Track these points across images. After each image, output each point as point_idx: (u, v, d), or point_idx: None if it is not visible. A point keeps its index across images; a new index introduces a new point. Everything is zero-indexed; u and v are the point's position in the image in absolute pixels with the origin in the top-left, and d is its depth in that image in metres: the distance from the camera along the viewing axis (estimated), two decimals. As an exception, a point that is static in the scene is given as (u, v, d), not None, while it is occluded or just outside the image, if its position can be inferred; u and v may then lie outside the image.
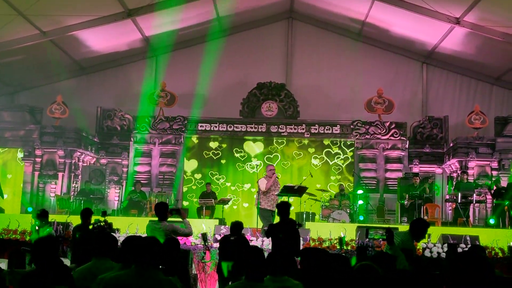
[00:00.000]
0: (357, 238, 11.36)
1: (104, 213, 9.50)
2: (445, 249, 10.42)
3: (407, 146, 18.99)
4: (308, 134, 19.03)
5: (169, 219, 8.44)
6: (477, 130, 18.41)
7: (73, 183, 18.44)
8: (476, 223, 16.39)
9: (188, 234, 8.38)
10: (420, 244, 11.09)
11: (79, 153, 18.62)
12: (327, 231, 11.95)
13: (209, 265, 10.83)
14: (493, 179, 17.37)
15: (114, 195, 18.98)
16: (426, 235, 11.58)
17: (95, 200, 17.21)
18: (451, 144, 18.48)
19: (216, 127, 19.15)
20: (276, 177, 13.65)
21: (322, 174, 19.27)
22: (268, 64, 20.95)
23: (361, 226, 12.23)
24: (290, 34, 21.60)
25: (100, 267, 5.41)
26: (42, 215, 9.88)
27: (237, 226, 9.27)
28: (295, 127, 19.08)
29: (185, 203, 19.04)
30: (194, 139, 19.59)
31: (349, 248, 10.95)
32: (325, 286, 4.46)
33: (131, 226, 11.92)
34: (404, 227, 13.18)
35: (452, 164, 18.35)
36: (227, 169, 19.51)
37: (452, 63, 20.72)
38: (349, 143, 19.26)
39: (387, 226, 13.19)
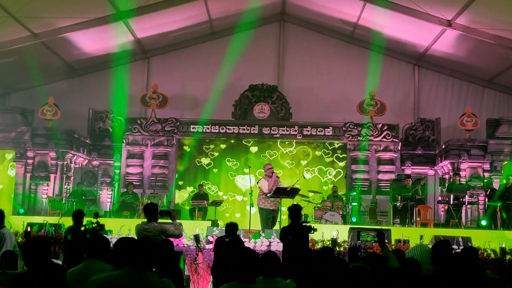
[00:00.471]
0: (349, 240, 11.36)
1: (96, 215, 9.45)
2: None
3: (399, 148, 19.04)
4: (300, 136, 19.04)
5: (160, 220, 8.40)
6: (469, 132, 18.49)
7: (65, 184, 18.37)
8: (468, 225, 16.44)
9: (178, 235, 8.32)
10: (413, 245, 11.09)
11: (71, 155, 18.56)
12: (320, 232, 11.94)
13: (202, 267, 10.81)
14: (485, 180, 17.44)
15: (106, 197, 18.92)
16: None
17: (87, 201, 17.14)
18: (443, 146, 18.55)
19: (208, 128, 19.12)
20: (277, 175, 13.69)
21: (315, 177, 19.25)
22: (260, 66, 20.95)
23: (353, 228, 12.24)
24: (282, 36, 21.63)
25: (92, 268, 5.38)
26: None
27: (232, 227, 9.21)
28: (287, 129, 19.08)
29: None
30: (186, 148, 19.55)
31: (341, 249, 10.95)
32: (318, 285, 4.46)
33: (123, 227, 11.88)
34: (396, 228, 13.25)
35: (444, 165, 18.41)
36: (219, 179, 19.45)
37: (443, 66, 20.81)
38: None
39: (379, 227, 13.25)
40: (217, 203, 17.23)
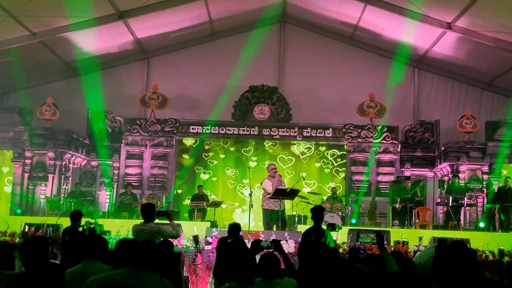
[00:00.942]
0: (348, 241, 11.35)
1: (94, 215, 9.46)
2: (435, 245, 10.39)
3: (398, 150, 19.02)
4: (300, 137, 19.02)
5: (157, 221, 8.37)
6: (468, 134, 18.48)
7: (63, 185, 18.33)
8: (467, 227, 16.43)
9: (175, 236, 8.27)
10: (411, 247, 11.12)
11: (69, 155, 18.52)
12: (319, 234, 11.91)
13: (201, 268, 10.78)
14: (484, 183, 17.44)
15: (105, 197, 18.89)
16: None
17: (85, 202, 17.10)
18: (442, 148, 18.54)
19: (208, 129, 19.09)
20: (279, 175, 13.70)
21: (316, 177, 19.24)
22: (261, 67, 20.92)
23: (352, 229, 12.23)
24: (282, 37, 21.64)
25: (90, 269, 5.36)
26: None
27: (234, 228, 9.16)
28: (287, 130, 19.05)
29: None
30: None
31: (341, 251, 10.92)
32: (318, 285, 4.45)
33: (122, 228, 11.85)
34: (395, 230, 13.23)
35: (444, 168, 18.40)
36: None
37: (443, 68, 20.82)
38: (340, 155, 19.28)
39: (378, 229, 13.23)
40: (216, 204, 17.20)
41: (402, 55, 20.83)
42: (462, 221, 16.29)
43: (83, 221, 9.26)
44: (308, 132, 18.99)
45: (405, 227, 15.00)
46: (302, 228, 13.50)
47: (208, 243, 11.25)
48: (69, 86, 21.09)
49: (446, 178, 18.28)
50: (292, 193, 13.31)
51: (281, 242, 10.63)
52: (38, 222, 12.34)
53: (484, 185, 17.38)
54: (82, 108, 19.94)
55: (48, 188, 17.92)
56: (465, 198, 16.01)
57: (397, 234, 12.29)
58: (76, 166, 18.99)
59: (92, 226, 9.08)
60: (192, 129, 19.13)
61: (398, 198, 16.11)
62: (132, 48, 20.80)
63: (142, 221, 8.21)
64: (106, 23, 17.72)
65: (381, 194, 18.43)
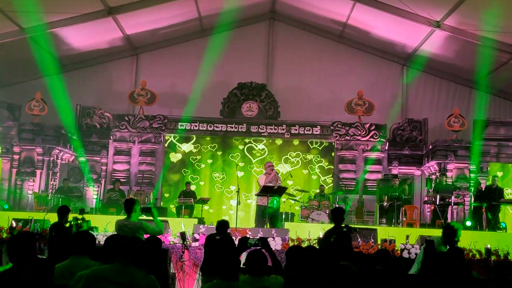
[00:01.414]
0: (336, 239, 11.35)
1: (81, 211, 9.42)
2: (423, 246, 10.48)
3: (386, 148, 19.09)
4: (288, 134, 19.04)
5: (141, 217, 8.37)
6: (456, 133, 18.57)
7: (51, 180, 18.29)
8: (454, 225, 16.48)
9: (158, 232, 8.26)
10: (399, 245, 11.16)
11: (57, 151, 18.47)
12: (306, 231, 11.96)
13: (188, 264, 10.78)
14: (472, 182, 17.54)
15: (92, 193, 18.84)
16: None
17: (73, 198, 17.06)
18: (430, 146, 18.63)
19: (196, 126, 19.08)
20: (276, 172, 13.73)
21: (302, 175, 19.27)
22: (249, 64, 20.95)
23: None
24: (271, 35, 21.64)
25: (78, 265, 5.37)
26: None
27: (223, 225, 9.18)
28: (275, 127, 19.08)
29: (166, 195, 19.13)
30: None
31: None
32: (305, 283, 4.48)
33: (109, 224, 11.81)
34: (382, 228, 13.29)
35: (431, 166, 18.49)
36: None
37: (432, 66, 20.88)
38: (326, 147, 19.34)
39: (365, 227, 13.31)
40: (204, 201, 17.20)
41: (391, 53, 20.92)
42: (449, 220, 16.36)
43: (71, 216, 9.23)
44: (296, 130, 19.02)
45: (392, 225, 15.06)
46: (288, 225, 13.56)
47: (195, 239, 11.25)
48: (58, 82, 20.95)
49: (433, 177, 18.36)
50: (279, 190, 13.34)
51: (269, 239, 10.70)
52: (25, 217, 12.28)
53: (471, 184, 17.47)
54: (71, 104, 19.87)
55: (36, 184, 17.87)
56: (453, 196, 16.07)
57: (384, 232, 12.34)
58: (64, 162, 18.94)
59: (79, 222, 9.05)
60: (180, 125, 19.11)
61: (386, 196, 16.17)
62: (121, 44, 20.75)
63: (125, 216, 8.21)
64: (95, 19, 17.69)
65: (368, 192, 18.49)
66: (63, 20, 17.41)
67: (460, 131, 18.67)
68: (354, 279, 4.54)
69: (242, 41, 21.19)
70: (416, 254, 10.78)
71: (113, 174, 18.79)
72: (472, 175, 17.82)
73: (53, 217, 10.87)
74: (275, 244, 10.96)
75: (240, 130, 19.09)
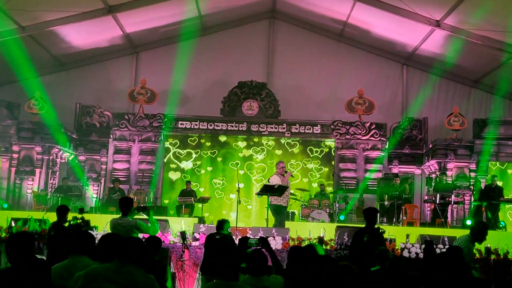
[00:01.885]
0: (336, 238, 11.37)
1: (81, 210, 9.39)
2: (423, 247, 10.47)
3: (387, 147, 19.07)
4: (288, 133, 19.03)
5: (136, 216, 8.35)
6: (456, 132, 18.55)
7: (50, 179, 18.26)
8: (454, 224, 16.51)
9: (153, 231, 8.24)
10: (399, 245, 11.15)
11: (57, 150, 18.43)
12: (307, 230, 11.96)
13: (188, 264, 10.77)
14: (472, 181, 17.52)
15: (92, 192, 18.82)
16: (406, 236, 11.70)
17: (73, 197, 17.04)
18: (430, 146, 18.62)
19: (196, 125, 19.06)
20: (291, 174, 13.69)
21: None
22: (250, 63, 20.91)
23: (340, 226, 12.27)
24: (272, 33, 21.60)
25: (77, 264, 5.36)
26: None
27: (223, 224, 9.15)
28: (275, 126, 19.06)
29: (166, 201, 18.99)
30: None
31: (328, 247, 10.95)
32: (305, 283, 4.47)
33: (109, 223, 11.78)
34: (383, 227, 13.24)
35: (431, 165, 18.48)
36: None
37: (432, 65, 20.85)
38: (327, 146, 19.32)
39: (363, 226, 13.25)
40: (204, 200, 17.17)
41: (391, 52, 20.89)
42: (449, 219, 16.36)
43: (70, 216, 9.21)
44: (297, 129, 19.01)
45: (393, 225, 15.05)
46: (289, 224, 13.53)
47: (195, 239, 11.24)
48: (58, 80, 20.97)
49: (433, 176, 18.35)
50: (280, 190, 13.31)
51: (269, 238, 10.69)
52: (24, 216, 12.27)
53: (472, 183, 17.45)
54: (70, 103, 19.84)
55: (35, 183, 17.85)
56: (453, 195, 16.07)
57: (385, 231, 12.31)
58: (63, 161, 18.91)
59: (79, 221, 9.02)
60: (181, 124, 19.09)
61: (386, 195, 16.16)
62: (121, 43, 20.71)
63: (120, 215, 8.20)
64: (95, 18, 17.64)
65: (369, 191, 18.47)
66: (62, 19, 17.35)
67: (460, 130, 18.65)
68: (354, 279, 4.52)
69: (243, 39, 21.17)
70: (416, 253, 10.78)
71: (113, 173, 18.76)
72: (472, 174, 17.80)
73: (52, 216, 10.85)
74: (276, 243, 10.94)
75: (240, 129, 19.07)
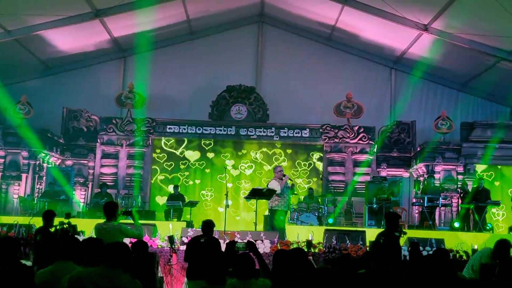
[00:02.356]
0: (324, 241, 11.37)
1: (67, 215, 9.30)
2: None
3: (375, 150, 19.11)
4: (277, 137, 19.03)
5: (121, 220, 8.30)
6: (443, 135, 18.61)
7: (37, 184, 18.12)
8: (442, 226, 16.56)
9: (138, 236, 8.17)
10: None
11: (43, 154, 18.30)
12: (295, 234, 11.95)
13: (176, 268, 10.71)
14: (459, 183, 17.58)
15: (79, 197, 18.71)
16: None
17: (60, 202, 16.91)
18: (418, 149, 18.67)
19: (184, 129, 19.03)
20: (288, 177, 13.62)
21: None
22: (238, 67, 20.90)
23: (328, 229, 12.27)
24: (260, 37, 21.61)
25: (63, 270, 5.31)
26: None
27: (208, 226, 8.88)
28: (264, 130, 19.06)
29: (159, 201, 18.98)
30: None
31: (316, 251, 10.94)
32: (292, 286, 4.46)
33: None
34: (371, 230, 13.27)
35: (419, 168, 18.53)
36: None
37: (420, 69, 20.89)
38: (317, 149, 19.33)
39: (354, 229, 13.30)
40: (192, 204, 17.11)
41: (379, 56, 20.95)
42: (437, 221, 16.41)
43: (56, 221, 9.13)
44: (285, 132, 19.02)
45: (381, 227, 15.05)
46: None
47: (183, 243, 11.18)
48: (44, 84, 20.85)
49: (421, 179, 18.40)
50: (269, 193, 13.29)
51: (257, 242, 10.66)
52: (10, 222, 12.18)
53: (459, 186, 17.52)
54: (57, 107, 19.71)
55: (21, 188, 17.72)
56: (440, 198, 16.11)
57: (372, 234, 12.29)
58: (50, 166, 18.78)
59: (65, 226, 8.95)
60: (169, 128, 19.06)
61: (375, 198, 16.18)
62: (109, 47, 20.62)
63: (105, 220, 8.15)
64: (82, 22, 17.56)
65: (357, 194, 18.51)
66: (49, 23, 17.25)
67: (448, 133, 18.71)
68: (333, 282, 4.52)
69: (231, 43, 21.16)
70: (404, 255, 10.77)
71: (100, 178, 18.68)
72: (460, 177, 17.88)
73: (38, 222, 10.78)
74: (264, 247, 10.92)
75: (229, 133, 19.05)
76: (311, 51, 21.37)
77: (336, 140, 19.00)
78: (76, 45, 19.67)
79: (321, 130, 19.05)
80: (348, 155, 18.98)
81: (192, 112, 19.55)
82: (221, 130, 19.06)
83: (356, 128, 19.06)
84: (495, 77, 19.00)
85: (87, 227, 11.89)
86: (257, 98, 19.51)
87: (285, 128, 19.07)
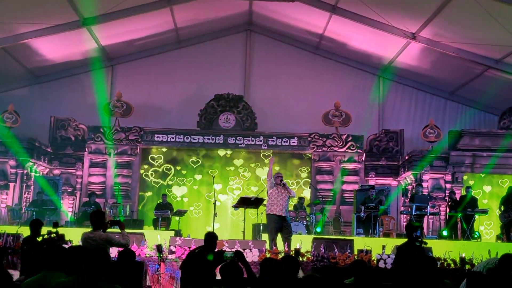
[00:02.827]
0: (312, 250, 11.36)
1: (55, 224, 9.24)
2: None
3: (363, 159, 19.16)
4: (265, 146, 19.03)
5: (109, 230, 8.28)
6: (431, 144, 18.69)
7: (25, 193, 18.00)
8: (430, 235, 16.60)
9: (124, 245, 8.14)
10: (375, 256, 11.17)
11: (31, 163, 18.18)
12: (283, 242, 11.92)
13: (164, 277, 10.66)
14: (447, 192, 17.64)
15: (68, 206, 18.60)
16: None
17: (48, 211, 16.81)
18: (406, 157, 18.72)
19: (173, 138, 19.00)
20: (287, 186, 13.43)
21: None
22: (226, 75, 20.87)
23: (317, 238, 12.26)
24: (248, 46, 21.61)
25: (50, 279, 5.26)
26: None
27: (212, 239, 7.95)
28: (252, 139, 19.07)
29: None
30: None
31: (304, 259, 10.93)
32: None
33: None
34: (359, 239, 13.28)
35: (407, 176, 18.58)
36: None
37: (408, 77, 21.04)
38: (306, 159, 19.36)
39: (343, 238, 13.30)
40: (180, 213, 17.07)
41: (367, 64, 21.02)
42: (425, 230, 16.46)
43: (44, 230, 9.07)
44: (274, 141, 19.03)
45: (369, 236, 15.08)
46: (266, 237, 13.44)
47: (171, 252, 11.15)
48: (32, 93, 20.75)
49: (409, 187, 18.45)
50: (256, 202, 13.28)
51: (245, 250, 10.64)
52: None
53: (447, 194, 17.58)
54: (44, 116, 19.60)
55: (9, 197, 17.60)
56: (428, 206, 16.17)
57: (360, 242, 12.34)
58: (38, 175, 18.66)
59: (53, 235, 8.89)
60: (157, 137, 19.03)
61: (363, 207, 16.20)
62: (97, 56, 20.50)
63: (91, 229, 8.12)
64: (69, 30, 17.48)
65: (345, 202, 18.54)
66: (36, 31, 17.15)
67: (436, 142, 18.79)
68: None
69: (219, 52, 21.15)
70: (392, 264, 10.78)
71: (88, 187, 18.60)
72: (448, 185, 17.94)
73: (26, 231, 10.69)
74: (252, 255, 10.90)
75: (217, 141, 19.04)
76: (299, 59, 21.38)
77: (324, 148, 19.04)
78: (63, 53, 19.57)
79: (309, 138, 19.08)
80: (336, 163, 19.01)
81: (180, 121, 19.52)
82: (209, 139, 19.04)
83: (344, 136, 19.11)
84: (483, 85, 19.13)
85: (75, 236, 11.81)
86: (245, 106, 19.52)
87: (273, 137, 19.10)
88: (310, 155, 19.34)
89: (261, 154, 19.57)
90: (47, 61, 19.66)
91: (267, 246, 11.74)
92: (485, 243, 14.77)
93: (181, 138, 19.01)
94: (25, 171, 18.02)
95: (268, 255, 10.99)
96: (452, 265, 11.05)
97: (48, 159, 18.99)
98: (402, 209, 17.81)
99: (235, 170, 19.64)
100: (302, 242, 11.86)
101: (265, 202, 14.34)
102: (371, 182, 18.86)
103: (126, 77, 21.07)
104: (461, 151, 18.11)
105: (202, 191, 19.48)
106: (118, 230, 8.42)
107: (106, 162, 18.91)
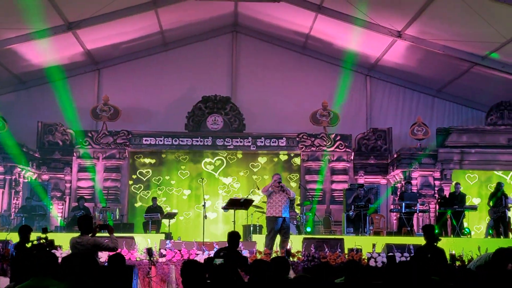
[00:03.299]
0: (303, 250, 11.36)
1: (44, 230, 9.19)
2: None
3: (352, 158, 19.20)
4: (254, 147, 19.02)
5: (98, 234, 8.26)
6: (419, 141, 18.76)
7: (14, 199, 17.88)
8: (420, 232, 16.61)
9: (112, 249, 8.16)
10: (365, 254, 11.18)
11: (19, 169, 18.07)
12: (274, 243, 11.92)
13: (155, 280, 10.63)
14: (436, 189, 17.70)
15: (57, 211, 18.50)
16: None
17: (37, 216, 16.72)
18: (395, 155, 18.78)
19: (161, 141, 18.96)
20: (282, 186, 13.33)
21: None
22: (213, 77, 20.85)
23: (307, 238, 12.26)
24: (234, 47, 21.59)
25: (39, 285, 5.24)
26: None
27: (234, 237, 8.87)
28: (241, 140, 19.05)
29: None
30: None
31: (295, 259, 10.93)
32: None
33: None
34: (349, 238, 13.30)
35: (396, 174, 18.64)
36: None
37: (395, 76, 21.10)
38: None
39: (332, 237, 13.32)
40: (171, 216, 17.03)
41: (354, 63, 21.04)
42: (415, 227, 16.50)
43: (34, 236, 9.03)
44: (262, 142, 19.02)
45: (360, 234, 15.11)
46: (256, 238, 13.48)
47: (162, 255, 11.12)
48: (18, 98, 20.63)
49: (399, 185, 18.50)
50: (246, 203, 13.27)
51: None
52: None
53: (436, 191, 17.65)
54: (31, 121, 19.49)
55: (-2, 203, 17.48)
56: (418, 204, 16.22)
57: (351, 241, 12.36)
58: (26, 181, 18.55)
59: (42, 241, 8.84)
60: (145, 140, 18.98)
61: (352, 206, 16.23)
62: (82, 60, 20.45)
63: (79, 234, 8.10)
64: (55, 35, 17.42)
65: (335, 202, 18.57)
66: (21, 36, 17.08)
67: (424, 139, 18.86)
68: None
69: (205, 54, 21.11)
70: (382, 262, 10.82)
71: (77, 191, 18.52)
72: (437, 182, 18.01)
73: (15, 237, 10.63)
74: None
75: (206, 143, 19.01)
76: (286, 59, 21.38)
77: (313, 148, 19.06)
78: (49, 58, 19.34)
79: (297, 139, 19.09)
80: (325, 163, 19.03)
81: (168, 123, 19.47)
82: (197, 141, 19.01)
83: (333, 136, 19.13)
84: (470, 82, 19.24)
85: (64, 242, 11.74)
86: (233, 108, 19.52)
87: (262, 138, 19.08)
88: (299, 163, 19.29)
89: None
90: (33, 66, 19.53)
91: (258, 247, 11.73)
92: (475, 239, 14.84)
93: (169, 141, 18.96)
94: (14, 177, 17.90)
95: (258, 256, 10.97)
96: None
97: (36, 165, 18.87)
98: (392, 207, 17.85)
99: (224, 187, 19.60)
100: (293, 242, 11.87)
101: (254, 203, 14.42)
102: (360, 181, 18.90)
103: (112, 81, 21.00)
104: (449, 148, 18.18)
105: (191, 203, 19.42)
106: (107, 234, 8.41)
107: (95, 166, 18.82)
